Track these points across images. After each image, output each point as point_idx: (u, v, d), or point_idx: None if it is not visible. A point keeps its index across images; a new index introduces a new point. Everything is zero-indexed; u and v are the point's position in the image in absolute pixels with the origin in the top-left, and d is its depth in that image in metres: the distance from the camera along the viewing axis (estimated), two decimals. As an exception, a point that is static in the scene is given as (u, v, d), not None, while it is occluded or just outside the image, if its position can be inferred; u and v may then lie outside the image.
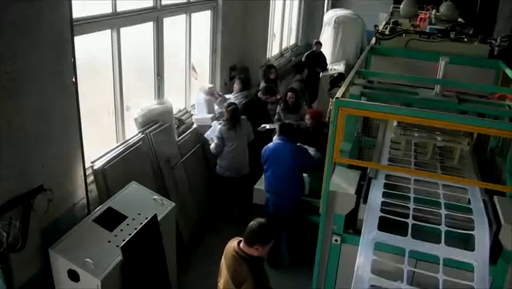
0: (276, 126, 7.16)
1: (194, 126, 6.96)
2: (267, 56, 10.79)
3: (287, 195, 5.78)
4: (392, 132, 5.13)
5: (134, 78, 6.25)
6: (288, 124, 6.20)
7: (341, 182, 4.71)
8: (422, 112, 4.06)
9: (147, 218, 4.40)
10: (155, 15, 6.11)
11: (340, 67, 11.18)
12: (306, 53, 11.13)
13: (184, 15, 6.93)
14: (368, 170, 4.96)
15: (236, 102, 7.36)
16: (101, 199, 4.95)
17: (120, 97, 5.64)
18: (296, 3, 13.15)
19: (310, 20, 14.40)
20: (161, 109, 6.19)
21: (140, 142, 5.63)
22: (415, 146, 5.26)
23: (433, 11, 8.93)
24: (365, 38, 12.69)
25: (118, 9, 5.43)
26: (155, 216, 4.44)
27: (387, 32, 7.02)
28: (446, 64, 5.15)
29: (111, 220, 4.37)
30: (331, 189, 4.56)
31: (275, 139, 6.42)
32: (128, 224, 4.35)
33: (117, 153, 5.30)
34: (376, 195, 4.50)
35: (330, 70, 11.04)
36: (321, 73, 10.78)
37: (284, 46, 12.59)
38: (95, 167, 4.97)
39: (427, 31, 7.40)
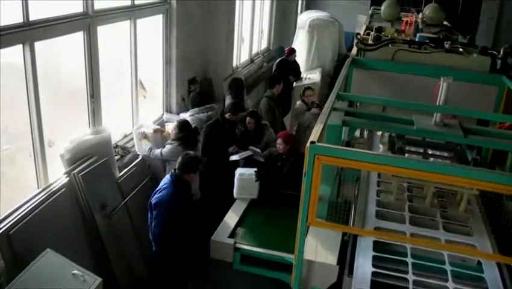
0: (247, 153, 6.00)
1: (141, 157, 5.72)
2: (235, 64, 9.63)
3: None
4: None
5: (62, 102, 5.09)
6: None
7: (318, 246, 3.65)
8: (429, 164, 2.98)
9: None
10: (86, 23, 4.87)
11: (315, 76, 10.08)
12: (277, 61, 9.98)
13: (128, 21, 5.72)
14: (351, 222, 3.93)
15: (192, 121, 6.22)
16: (10, 272, 3.74)
17: (38, 129, 4.41)
18: (267, 4, 11.99)
19: (283, 22, 13.26)
20: (95, 140, 4.97)
21: (64, 189, 4.41)
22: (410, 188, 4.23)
23: (420, 15, 7.90)
24: (343, 41, 11.59)
25: (33, 18, 4.22)
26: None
27: (370, 41, 5.95)
28: (448, 87, 4.09)
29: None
30: (306, 257, 3.49)
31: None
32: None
33: (32, 206, 4.11)
34: (364, 264, 3.47)
35: (305, 79, 9.93)
36: (294, 83, 9.66)
37: (255, 51, 11.42)
38: (-2, 232, 3.75)
39: (414, 37, 6.40)
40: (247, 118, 6.36)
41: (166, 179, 4.79)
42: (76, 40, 4.92)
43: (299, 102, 7.35)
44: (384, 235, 3.49)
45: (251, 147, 6.01)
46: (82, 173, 4.63)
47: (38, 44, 4.29)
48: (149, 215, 4.77)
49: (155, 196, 4.69)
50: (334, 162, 3.10)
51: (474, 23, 14.94)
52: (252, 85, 10.20)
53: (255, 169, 5.44)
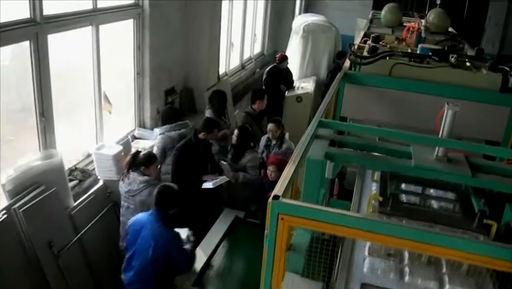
0: (223, 180, 5.28)
1: (101, 182, 5.03)
2: (223, 71, 8.91)
3: None
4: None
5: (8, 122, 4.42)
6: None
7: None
8: (425, 233, 2.26)
9: None
10: (33, 31, 4.20)
11: (309, 85, 9.37)
12: (268, 69, 9.26)
13: (90, 27, 5.04)
14: (334, 278, 3.25)
15: (160, 143, 5.53)
16: None
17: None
18: (261, 4, 11.25)
19: (279, 25, 12.51)
20: (44, 166, 4.29)
21: (1, 228, 3.73)
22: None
23: (423, 21, 7.19)
24: (340, 48, 10.81)
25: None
26: None
27: (365, 53, 5.26)
28: (454, 115, 3.39)
29: None
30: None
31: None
32: None
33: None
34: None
35: (298, 88, 9.23)
36: (286, 93, 8.97)
37: (246, 56, 10.68)
38: None
39: (416, 48, 5.71)
40: (235, 131, 5.71)
41: (146, 218, 4.13)
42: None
43: (264, 136, 6.28)
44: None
45: (221, 161, 5.37)
46: (24, 208, 3.96)
47: None
48: (130, 255, 4.16)
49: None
50: (303, 225, 2.40)
51: (480, 29, 14.23)
52: (243, 93, 9.48)
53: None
